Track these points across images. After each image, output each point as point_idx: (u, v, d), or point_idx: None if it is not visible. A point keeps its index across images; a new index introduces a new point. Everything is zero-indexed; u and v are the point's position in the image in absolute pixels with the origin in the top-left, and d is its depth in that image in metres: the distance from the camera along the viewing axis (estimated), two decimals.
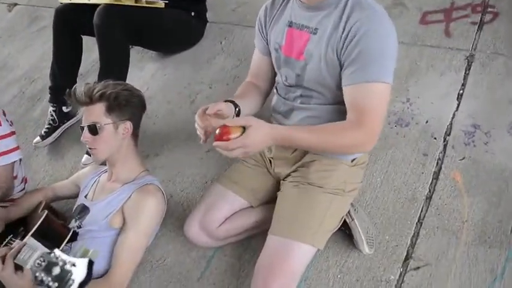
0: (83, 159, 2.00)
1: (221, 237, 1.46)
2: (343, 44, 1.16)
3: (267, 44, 1.41)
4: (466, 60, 1.77)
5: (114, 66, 2.02)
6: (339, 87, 1.23)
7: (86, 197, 1.61)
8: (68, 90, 1.52)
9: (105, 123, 1.48)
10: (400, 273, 1.32)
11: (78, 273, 0.83)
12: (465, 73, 1.73)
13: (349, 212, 1.36)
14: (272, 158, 1.43)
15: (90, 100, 1.48)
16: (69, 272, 0.86)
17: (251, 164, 1.48)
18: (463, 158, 1.50)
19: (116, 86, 1.53)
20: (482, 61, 1.75)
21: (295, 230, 1.24)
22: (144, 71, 2.39)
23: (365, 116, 1.14)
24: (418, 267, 1.31)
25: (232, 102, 1.30)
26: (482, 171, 1.45)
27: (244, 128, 1.10)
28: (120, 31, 1.95)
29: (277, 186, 1.45)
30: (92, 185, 1.65)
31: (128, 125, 1.54)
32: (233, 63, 2.22)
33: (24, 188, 1.83)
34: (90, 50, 2.35)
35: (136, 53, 2.47)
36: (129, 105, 1.53)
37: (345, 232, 1.37)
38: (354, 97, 1.16)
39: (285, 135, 1.13)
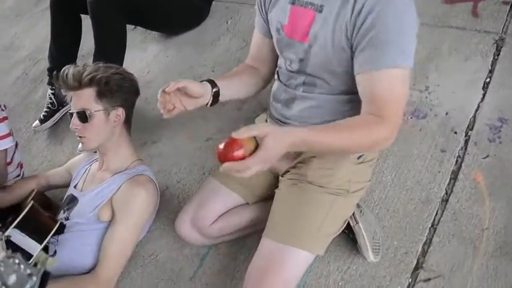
0: (80, 146, 1.91)
1: (214, 236, 1.35)
2: (355, 24, 1.00)
3: (267, 23, 1.26)
4: (495, 45, 1.57)
5: (109, 47, 1.91)
6: (348, 74, 1.08)
7: (75, 187, 1.53)
8: (55, 72, 1.42)
9: (95, 110, 1.38)
10: (409, 285, 1.19)
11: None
12: (493, 59, 1.54)
13: (353, 214, 1.22)
14: None
15: (79, 84, 1.38)
16: (26, 281, 0.77)
17: None
18: (487, 156, 1.33)
19: (107, 70, 1.42)
20: None
21: (291, 235, 1.12)
22: (147, 52, 2.28)
23: (387, 107, 0.98)
24: (429, 279, 1.18)
25: (211, 82, 1.18)
26: (508, 172, 1.28)
27: (255, 138, 0.88)
28: (115, 9, 1.83)
29: (275, 183, 1.32)
30: (83, 174, 1.56)
31: (120, 111, 1.43)
32: (238, 44, 2.07)
33: (20, 174, 1.77)
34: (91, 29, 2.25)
35: (139, 34, 2.35)
36: (121, 91, 1.42)
37: (349, 235, 1.24)
38: (371, 86, 1.01)
39: (305, 139, 0.95)
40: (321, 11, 1.07)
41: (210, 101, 1.18)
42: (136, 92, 1.51)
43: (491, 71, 1.51)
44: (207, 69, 2.03)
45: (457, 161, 1.36)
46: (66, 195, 1.55)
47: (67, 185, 1.63)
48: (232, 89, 1.20)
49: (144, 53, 2.27)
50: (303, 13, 1.12)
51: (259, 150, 0.88)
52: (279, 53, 1.25)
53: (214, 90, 1.17)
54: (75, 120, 1.40)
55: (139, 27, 2.31)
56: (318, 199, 1.15)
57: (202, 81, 1.18)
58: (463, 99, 1.47)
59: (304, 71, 1.16)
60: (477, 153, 1.35)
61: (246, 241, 1.42)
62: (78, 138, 1.44)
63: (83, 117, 1.38)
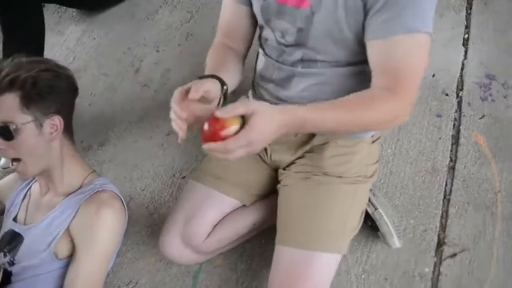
0: (2, 162, 1.51)
1: (211, 250, 1.14)
2: None
3: None
4: None
5: (24, 32, 1.49)
6: (358, 42, 0.90)
7: (15, 220, 1.17)
8: None
9: (22, 123, 1.03)
10: (435, 264, 1.11)
11: None
12: (467, 13, 1.48)
13: (369, 199, 1.09)
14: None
15: None
16: None
17: None
18: (483, 117, 1.29)
19: (32, 66, 1.06)
20: None
21: (315, 239, 0.95)
22: (65, 35, 1.86)
23: (402, 80, 0.84)
24: (455, 254, 1.11)
25: (217, 77, 0.91)
26: (507, 130, 1.25)
27: (242, 118, 0.75)
28: None
29: (275, 177, 1.13)
30: (22, 202, 1.20)
31: (56, 120, 1.09)
32: (182, 17, 1.78)
33: None
34: None
35: (50, 14, 1.90)
36: (54, 92, 1.07)
37: (366, 223, 1.11)
38: (385, 55, 0.85)
39: (303, 118, 0.78)
40: None
41: (221, 103, 0.90)
42: (74, 91, 1.16)
43: (467, 26, 1.46)
44: (150, 50, 1.72)
45: (454, 124, 1.29)
46: (2, 232, 1.19)
47: None
48: (230, 82, 0.94)
49: (62, 37, 1.86)
50: None
51: (243, 130, 0.74)
52: (263, 23, 1.02)
53: (225, 87, 0.90)
54: None
55: (50, 5, 1.87)
56: (339, 192, 0.99)
57: (201, 77, 0.90)
58: (446, 59, 1.40)
59: (303, 43, 0.96)
60: (472, 115, 1.29)
61: (244, 246, 1.23)
62: (11, 164, 1.09)
63: (6, 133, 1.03)
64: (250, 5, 1.04)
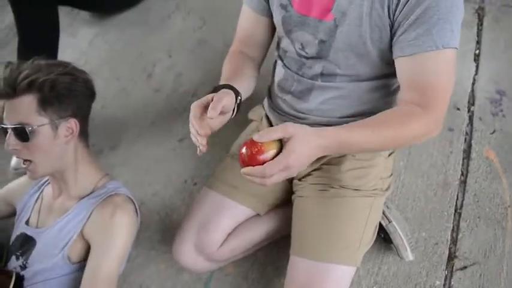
0: (13, 163, 1.51)
1: (224, 259, 1.14)
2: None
3: None
4: (477, 14, 1.54)
5: (38, 33, 1.50)
6: (381, 57, 0.92)
7: (27, 223, 1.17)
8: None
9: (38, 125, 1.03)
10: (446, 277, 1.12)
11: None
12: (478, 29, 1.51)
13: (383, 212, 1.10)
14: None
15: (14, 91, 1.02)
16: None
17: None
18: (494, 132, 1.30)
19: (51, 69, 1.06)
20: (493, 15, 1.53)
21: (332, 250, 0.96)
22: (78, 37, 1.87)
23: (432, 96, 0.85)
24: (465, 267, 1.12)
25: (231, 87, 0.91)
26: None
27: (280, 141, 0.75)
28: None
29: (289, 187, 1.15)
30: (34, 205, 1.20)
31: (72, 123, 1.09)
32: (195, 23, 1.79)
33: None
34: (1, 12, 1.77)
35: (63, 16, 1.90)
36: (71, 96, 1.08)
37: (379, 236, 1.13)
38: (416, 70, 0.86)
39: (342, 140, 0.78)
40: None
41: (235, 113, 0.91)
42: (91, 95, 1.16)
43: (478, 42, 1.48)
44: (162, 55, 1.73)
45: (465, 139, 1.31)
46: (14, 235, 1.18)
47: (6, 217, 1.27)
48: (244, 92, 0.95)
49: (75, 39, 1.87)
50: None
51: (281, 154, 0.74)
52: (283, 34, 1.03)
53: (238, 98, 0.90)
54: (11, 139, 1.04)
55: (63, 7, 1.88)
56: (356, 205, 1.00)
57: (217, 88, 0.91)
58: (458, 74, 1.39)
59: (324, 55, 0.97)
60: (484, 129, 1.31)
61: (256, 255, 1.23)
62: (23, 164, 1.09)
63: (22, 134, 1.03)
64: (270, 15, 1.05)
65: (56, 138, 1.07)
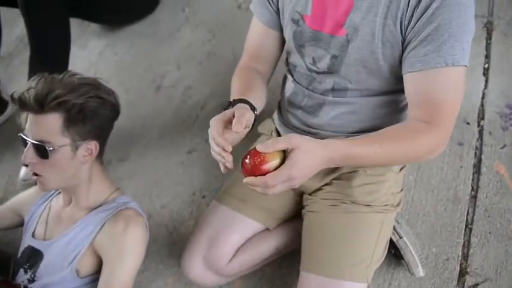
0: (22, 174, 1.52)
1: (233, 273, 1.13)
2: (413, 13, 0.84)
3: (277, 13, 1.04)
4: (485, 28, 1.54)
5: (49, 44, 1.51)
6: (392, 73, 0.92)
7: (33, 235, 1.17)
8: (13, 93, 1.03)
9: (59, 145, 1.03)
10: None
11: None
12: (486, 43, 1.51)
13: (394, 227, 1.10)
14: None
15: (41, 107, 1.01)
16: None
17: None
18: (504, 146, 1.30)
19: (82, 90, 1.04)
20: (502, 29, 1.53)
21: (344, 267, 0.96)
22: (87, 49, 1.89)
23: (440, 113, 0.85)
24: (477, 284, 1.11)
25: (246, 102, 0.91)
26: None
27: (283, 152, 0.76)
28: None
29: (299, 202, 1.14)
30: (41, 216, 1.20)
31: (93, 145, 1.09)
32: (204, 36, 1.81)
33: None
34: (11, 23, 1.79)
35: (74, 27, 1.92)
36: (96, 119, 1.07)
37: (390, 251, 1.12)
38: (424, 88, 0.86)
39: (346, 153, 0.79)
40: None
41: (249, 128, 0.89)
42: (115, 117, 1.16)
43: (487, 56, 1.48)
44: (171, 68, 1.74)
45: (475, 153, 1.30)
46: (21, 248, 1.18)
47: (16, 227, 1.27)
48: (257, 106, 0.95)
49: (84, 51, 1.89)
50: (334, 0, 0.92)
51: (284, 165, 0.74)
52: (293, 49, 1.04)
53: (255, 113, 0.90)
54: (29, 153, 1.04)
55: (73, 19, 1.90)
56: (368, 221, 1.00)
57: (232, 102, 0.91)
58: (467, 87, 1.41)
59: (335, 70, 0.98)
60: (494, 144, 1.31)
61: (264, 270, 1.22)
62: (34, 176, 1.09)
63: (42, 151, 1.03)
64: (280, 29, 1.06)
65: (73, 158, 1.07)
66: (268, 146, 0.74)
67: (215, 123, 0.82)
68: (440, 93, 0.85)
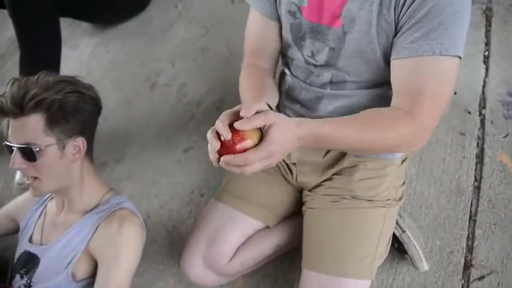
0: (17, 178, 1.50)
1: (234, 273, 1.11)
2: (405, 0, 0.81)
3: (276, 3, 0.99)
4: (484, 15, 1.51)
5: (39, 45, 1.48)
6: (389, 64, 0.89)
7: (30, 240, 1.15)
8: None
9: (46, 145, 1.01)
10: (462, 286, 1.09)
11: None
12: (486, 30, 1.48)
13: (396, 222, 1.07)
14: (295, 163, 1.07)
15: (21, 110, 1.00)
16: None
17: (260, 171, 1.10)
18: (507, 135, 1.27)
19: (59, 87, 1.03)
20: (502, 15, 1.50)
21: (347, 264, 0.94)
22: (79, 49, 1.86)
23: (424, 102, 0.81)
24: (483, 277, 1.09)
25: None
26: None
27: (260, 130, 0.74)
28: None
29: (299, 198, 1.12)
30: (37, 221, 1.18)
31: (80, 141, 1.07)
32: (197, 32, 1.77)
33: None
34: (2, 25, 1.77)
35: (64, 27, 1.89)
36: (78, 114, 1.05)
37: (393, 246, 1.09)
38: (411, 75, 0.82)
39: (318, 133, 0.77)
40: None
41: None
42: (98, 112, 1.14)
43: (487, 44, 1.45)
44: (165, 65, 1.71)
45: (478, 143, 1.28)
46: (18, 253, 1.16)
47: (11, 233, 1.25)
48: (272, 105, 0.91)
49: (76, 50, 1.86)
50: None
51: (263, 141, 0.73)
52: (291, 42, 1.00)
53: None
54: (17, 158, 1.02)
55: (64, 18, 1.87)
56: (370, 217, 0.97)
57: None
58: (468, 76, 1.39)
59: (333, 63, 0.95)
60: (496, 133, 1.28)
61: (266, 268, 1.20)
62: (27, 181, 1.07)
63: (29, 154, 1.01)
64: (279, 19, 1.02)
65: (62, 157, 1.05)
66: (246, 123, 0.72)
67: (222, 115, 0.77)
68: (424, 83, 0.81)
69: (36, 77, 1.05)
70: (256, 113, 0.74)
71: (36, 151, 1.00)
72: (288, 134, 0.75)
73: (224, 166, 0.74)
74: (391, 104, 0.87)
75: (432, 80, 0.81)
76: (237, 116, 0.75)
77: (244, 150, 0.73)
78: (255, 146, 0.73)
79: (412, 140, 0.84)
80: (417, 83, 0.82)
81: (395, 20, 0.84)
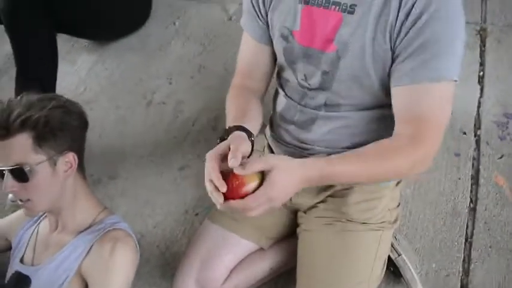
0: (10, 195, 1.48)
1: None
2: (401, 27, 0.81)
3: (268, 26, 1.00)
4: (479, 36, 1.53)
5: (36, 61, 1.49)
6: (386, 88, 0.89)
7: (21, 261, 1.13)
8: None
9: (36, 163, 1.00)
10: None
11: None
12: (481, 50, 1.49)
13: (392, 245, 1.06)
14: None
15: (7, 131, 0.98)
16: None
17: None
18: (502, 156, 1.27)
19: (43, 104, 1.03)
20: (496, 35, 1.52)
21: None
22: (77, 65, 1.86)
23: (427, 127, 0.82)
24: None
25: (243, 129, 0.87)
26: None
27: (261, 173, 0.74)
28: (33, 12, 1.41)
29: (293, 220, 1.11)
30: (29, 241, 1.16)
31: (71, 157, 1.06)
32: (195, 49, 1.78)
33: None
34: (0, 40, 1.77)
35: (62, 42, 1.91)
36: (65, 129, 1.04)
37: (388, 269, 1.08)
38: (411, 102, 0.83)
39: (323, 172, 0.77)
40: (351, 12, 0.86)
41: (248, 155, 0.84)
42: (85, 126, 1.14)
43: (481, 64, 1.46)
44: (162, 82, 1.71)
45: (473, 164, 1.28)
46: (9, 273, 1.14)
47: (2, 251, 1.23)
48: (254, 130, 0.91)
49: (74, 66, 1.86)
50: (322, 15, 0.90)
51: (263, 186, 0.73)
52: (285, 65, 1.01)
53: (252, 139, 0.86)
54: (8, 181, 1.00)
55: (62, 34, 1.88)
56: (364, 239, 0.96)
57: (228, 130, 0.87)
58: (462, 97, 1.39)
59: (327, 87, 0.95)
60: (492, 154, 1.28)
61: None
62: (19, 202, 1.06)
63: (21, 175, 0.99)
64: (271, 43, 1.03)
65: (54, 174, 1.03)
66: (246, 169, 0.72)
67: (211, 159, 0.76)
68: (426, 109, 0.82)
69: (19, 97, 1.04)
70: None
71: (28, 170, 0.99)
72: (291, 176, 0.74)
73: (227, 210, 0.74)
74: (394, 130, 0.87)
75: (434, 106, 0.82)
76: (224, 156, 0.75)
77: (245, 195, 0.73)
78: (258, 187, 0.73)
79: (419, 165, 0.84)
80: (420, 110, 0.82)
81: (391, 47, 0.84)
